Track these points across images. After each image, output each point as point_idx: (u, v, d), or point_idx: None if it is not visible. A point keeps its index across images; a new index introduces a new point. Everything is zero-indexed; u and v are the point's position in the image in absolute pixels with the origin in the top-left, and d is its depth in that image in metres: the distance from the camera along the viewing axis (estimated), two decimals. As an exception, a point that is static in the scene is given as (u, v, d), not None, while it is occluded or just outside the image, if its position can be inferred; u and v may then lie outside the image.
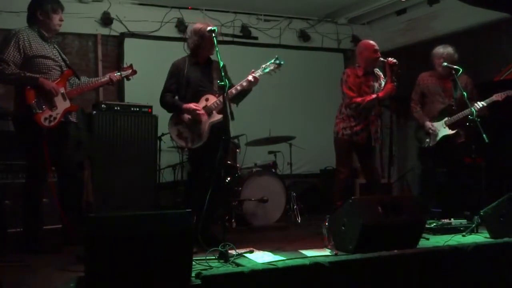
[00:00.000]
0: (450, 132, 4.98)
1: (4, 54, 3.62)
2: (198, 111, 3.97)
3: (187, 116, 4.00)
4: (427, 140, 5.11)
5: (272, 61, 4.09)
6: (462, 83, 4.91)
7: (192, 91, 4.04)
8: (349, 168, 4.81)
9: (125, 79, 4.20)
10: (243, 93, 4.07)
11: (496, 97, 4.80)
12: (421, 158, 5.36)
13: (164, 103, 4.10)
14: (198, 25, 4.04)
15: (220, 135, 3.87)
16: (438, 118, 5.07)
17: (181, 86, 4.06)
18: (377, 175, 4.84)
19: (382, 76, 4.84)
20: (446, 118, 5.02)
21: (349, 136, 4.70)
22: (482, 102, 4.80)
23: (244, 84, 3.99)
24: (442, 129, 5.01)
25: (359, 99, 4.64)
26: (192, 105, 3.98)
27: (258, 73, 4.02)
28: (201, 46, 4.03)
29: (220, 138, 3.84)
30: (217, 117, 3.99)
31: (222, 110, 3.88)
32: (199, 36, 3.99)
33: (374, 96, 4.63)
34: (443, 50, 5.07)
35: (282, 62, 4.08)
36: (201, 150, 4.01)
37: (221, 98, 3.90)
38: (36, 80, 3.66)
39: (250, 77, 3.98)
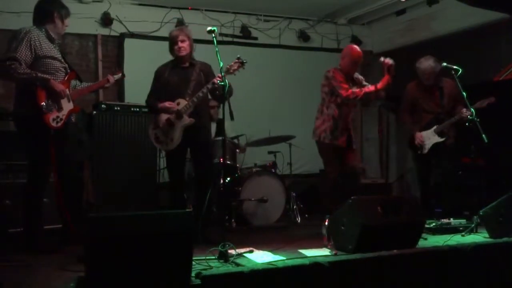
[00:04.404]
0: (440, 139, 5.09)
1: (17, 52, 3.59)
2: (173, 108, 4.17)
3: (162, 120, 4.21)
4: (419, 149, 5.19)
5: (235, 60, 4.12)
6: (448, 89, 5.10)
7: (168, 94, 4.23)
8: (337, 168, 4.75)
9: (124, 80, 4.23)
10: (214, 93, 4.22)
11: (479, 104, 4.84)
12: (417, 162, 5.39)
13: (148, 105, 4.43)
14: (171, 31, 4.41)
15: (192, 136, 4.14)
16: (427, 127, 5.17)
17: (161, 89, 4.27)
18: (358, 173, 4.87)
19: (362, 79, 4.86)
20: (435, 127, 5.12)
21: (330, 140, 4.71)
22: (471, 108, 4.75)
23: (205, 90, 4.15)
24: (432, 137, 5.12)
25: (357, 90, 4.61)
26: (166, 104, 4.20)
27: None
28: (170, 49, 4.29)
29: (193, 140, 4.16)
30: (187, 120, 4.17)
31: (192, 113, 4.16)
32: (169, 40, 4.32)
33: (372, 87, 4.56)
34: (426, 63, 5.11)
35: (245, 61, 4.10)
36: (176, 153, 4.23)
37: (190, 102, 4.14)
38: (48, 81, 3.65)
39: (210, 84, 4.11)
